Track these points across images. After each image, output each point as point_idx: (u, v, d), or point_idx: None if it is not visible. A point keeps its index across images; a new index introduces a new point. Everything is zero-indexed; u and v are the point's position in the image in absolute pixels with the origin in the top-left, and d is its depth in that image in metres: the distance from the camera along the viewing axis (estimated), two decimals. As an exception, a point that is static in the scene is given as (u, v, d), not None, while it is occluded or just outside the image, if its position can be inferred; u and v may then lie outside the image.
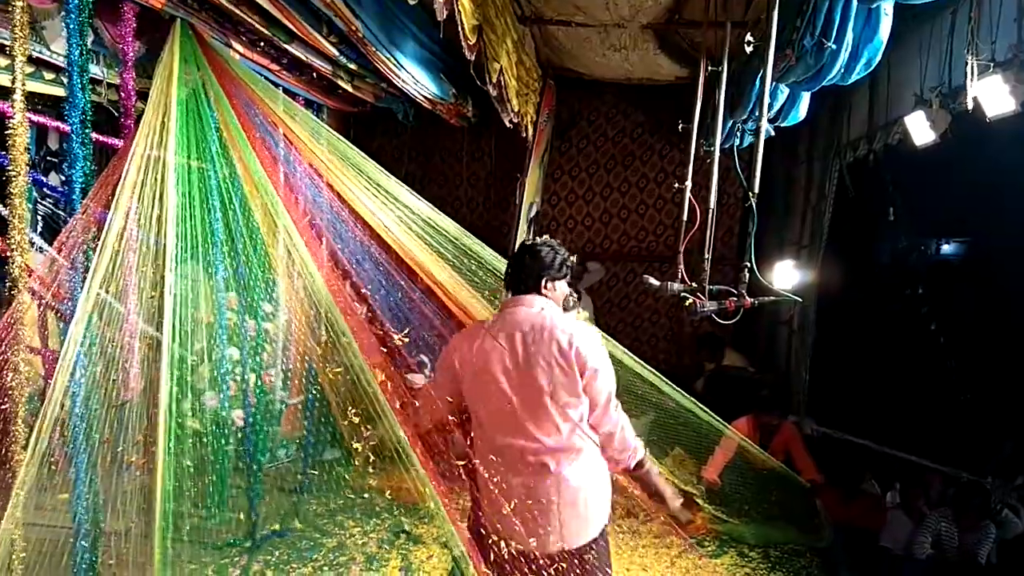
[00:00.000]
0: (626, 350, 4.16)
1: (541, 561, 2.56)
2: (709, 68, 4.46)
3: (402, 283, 3.54)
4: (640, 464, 2.70)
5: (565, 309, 3.13)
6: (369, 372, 2.86)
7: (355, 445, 2.84)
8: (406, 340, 3.09)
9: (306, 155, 3.59)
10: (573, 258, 2.82)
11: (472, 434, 2.72)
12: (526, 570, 2.55)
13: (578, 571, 2.58)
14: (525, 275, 2.69)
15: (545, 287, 2.69)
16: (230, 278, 3.44)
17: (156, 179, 2.95)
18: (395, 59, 4.09)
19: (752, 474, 4.76)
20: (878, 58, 3.40)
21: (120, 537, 2.86)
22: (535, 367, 2.55)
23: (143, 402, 2.73)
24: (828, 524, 4.67)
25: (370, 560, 4.17)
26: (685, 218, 4.40)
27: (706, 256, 3.85)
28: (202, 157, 3.14)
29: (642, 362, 4.17)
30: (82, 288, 2.68)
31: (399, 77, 4.35)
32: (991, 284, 6.76)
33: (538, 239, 2.78)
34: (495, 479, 2.60)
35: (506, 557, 2.57)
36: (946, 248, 8.19)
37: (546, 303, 2.67)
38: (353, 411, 2.86)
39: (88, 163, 2.92)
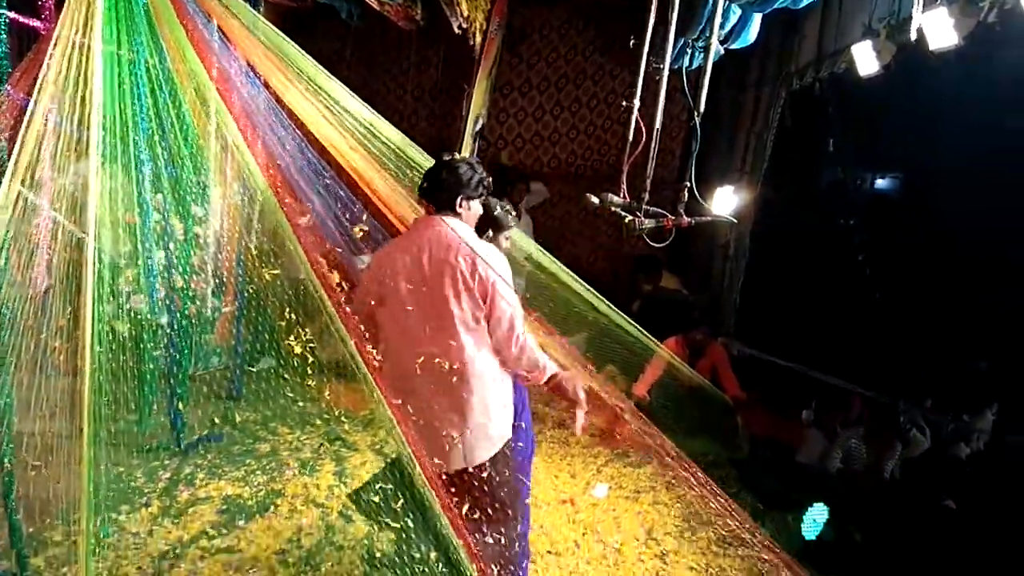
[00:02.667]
0: (564, 267, 4.18)
1: (444, 479, 2.57)
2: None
3: (341, 193, 3.45)
4: (552, 377, 2.75)
5: (499, 227, 3.10)
6: (312, 272, 2.80)
7: (288, 350, 2.80)
8: (364, 231, 3.03)
9: (242, 49, 3.40)
10: (490, 179, 2.79)
11: (380, 356, 2.70)
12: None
13: (484, 486, 2.63)
14: (441, 191, 2.68)
15: (460, 205, 2.68)
16: (158, 177, 3.28)
17: (81, 67, 2.77)
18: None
19: (679, 391, 4.93)
20: (830, -19, 3.39)
21: (42, 437, 2.81)
22: (439, 286, 2.57)
23: (63, 294, 2.64)
24: (747, 439, 4.89)
25: (304, 465, 4.22)
26: (631, 137, 4.38)
27: (648, 175, 3.86)
28: (131, 45, 2.95)
29: (580, 280, 4.21)
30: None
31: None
32: (923, 218, 6.98)
33: (456, 155, 2.75)
34: (399, 398, 2.62)
35: None
36: (881, 182, 8.40)
37: (457, 223, 2.66)
38: (290, 313, 2.81)
39: (3, 46, 2.73)
